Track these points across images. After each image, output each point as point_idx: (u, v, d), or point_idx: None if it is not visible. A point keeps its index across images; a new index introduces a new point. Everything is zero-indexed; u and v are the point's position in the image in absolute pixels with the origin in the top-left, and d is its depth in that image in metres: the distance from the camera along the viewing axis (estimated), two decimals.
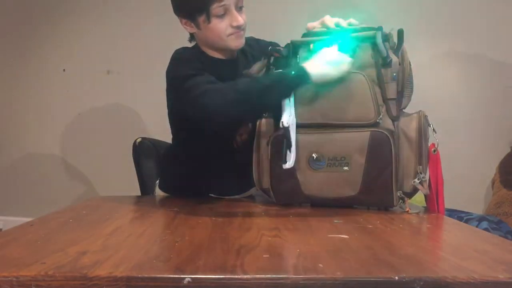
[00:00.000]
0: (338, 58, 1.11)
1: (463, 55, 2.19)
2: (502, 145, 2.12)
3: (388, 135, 1.07)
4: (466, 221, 1.80)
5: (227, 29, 1.23)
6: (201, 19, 1.22)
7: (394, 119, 1.12)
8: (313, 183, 1.12)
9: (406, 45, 1.15)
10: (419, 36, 2.19)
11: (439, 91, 2.18)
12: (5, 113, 2.48)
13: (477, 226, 1.74)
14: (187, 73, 1.19)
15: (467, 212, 1.92)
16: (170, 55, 1.29)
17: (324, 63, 1.10)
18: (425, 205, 1.17)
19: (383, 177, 1.08)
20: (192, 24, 1.26)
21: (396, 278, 0.58)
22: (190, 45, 1.36)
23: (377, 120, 1.09)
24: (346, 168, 1.10)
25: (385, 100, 1.12)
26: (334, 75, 1.10)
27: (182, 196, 1.34)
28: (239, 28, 1.23)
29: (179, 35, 1.37)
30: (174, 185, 1.42)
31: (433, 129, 1.12)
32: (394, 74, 1.12)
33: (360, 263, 0.64)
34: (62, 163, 2.44)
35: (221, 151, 1.34)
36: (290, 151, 1.09)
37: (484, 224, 1.76)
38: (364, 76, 1.11)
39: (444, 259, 0.73)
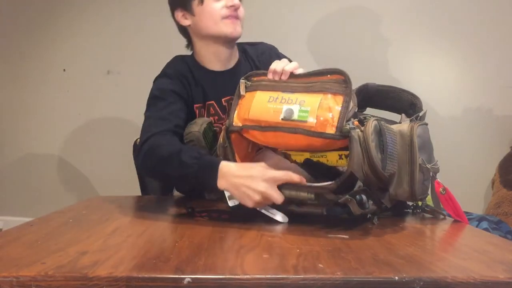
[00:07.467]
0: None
1: (463, 55, 2.19)
2: (502, 145, 2.12)
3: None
4: None
5: (221, 9, 1.19)
6: (195, 2, 1.21)
7: None
8: None
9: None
10: (419, 36, 2.19)
11: (439, 91, 2.18)
12: (5, 113, 2.47)
13: (477, 226, 1.74)
14: (153, 94, 1.27)
15: (467, 212, 1.92)
16: (171, 55, 1.29)
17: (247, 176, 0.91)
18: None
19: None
20: (187, 14, 1.25)
21: (396, 278, 0.58)
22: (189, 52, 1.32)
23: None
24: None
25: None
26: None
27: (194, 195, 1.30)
28: (234, 8, 1.20)
29: (179, 35, 1.37)
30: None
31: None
32: None
33: (360, 263, 0.64)
34: (62, 163, 2.44)
35: None
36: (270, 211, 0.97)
37: (484, 224, 1.76)
38: None
39: (444, 259, 0.73)
